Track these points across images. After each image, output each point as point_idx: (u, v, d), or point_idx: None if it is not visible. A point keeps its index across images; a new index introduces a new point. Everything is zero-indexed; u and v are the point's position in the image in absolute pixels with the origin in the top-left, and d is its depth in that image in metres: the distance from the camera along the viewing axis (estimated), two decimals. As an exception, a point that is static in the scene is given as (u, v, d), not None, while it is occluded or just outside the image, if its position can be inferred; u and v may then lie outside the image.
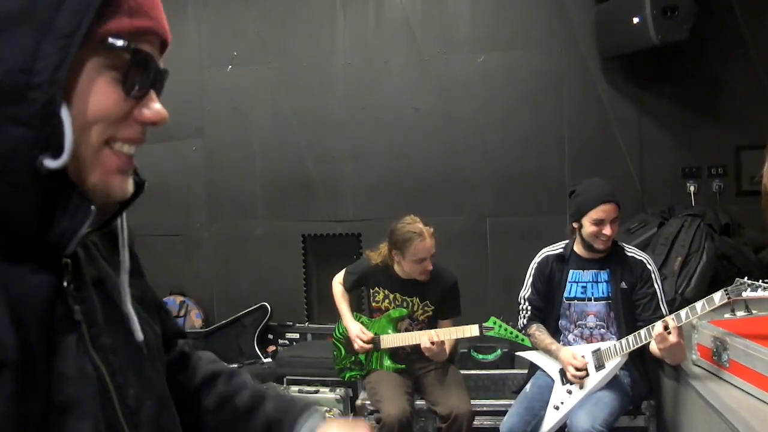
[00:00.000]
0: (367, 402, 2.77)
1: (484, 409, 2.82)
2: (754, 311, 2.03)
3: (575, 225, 2.51)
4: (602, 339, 2.48)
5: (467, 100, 3.75)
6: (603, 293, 2.49)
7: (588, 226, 2.42)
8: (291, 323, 3.94)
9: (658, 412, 2.53)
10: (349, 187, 3.90)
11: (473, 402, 2.68)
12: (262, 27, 3.94)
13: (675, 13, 3.03)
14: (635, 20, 3.11)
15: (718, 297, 2.01)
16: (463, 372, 2.93)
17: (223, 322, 3.95)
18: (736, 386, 1.91)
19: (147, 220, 3.79)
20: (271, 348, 3.92)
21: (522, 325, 2.64)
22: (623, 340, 2.33)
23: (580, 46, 3.61)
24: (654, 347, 2.21)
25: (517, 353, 2.84)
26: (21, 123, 0.53)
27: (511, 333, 2.58)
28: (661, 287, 2.45)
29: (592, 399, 2.35)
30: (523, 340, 2.59)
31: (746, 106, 3.46)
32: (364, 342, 2.73)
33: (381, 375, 2.75)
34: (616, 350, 2.35)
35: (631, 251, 2.52)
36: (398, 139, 3.81)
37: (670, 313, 2.23)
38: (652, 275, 2.45)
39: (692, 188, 3.52)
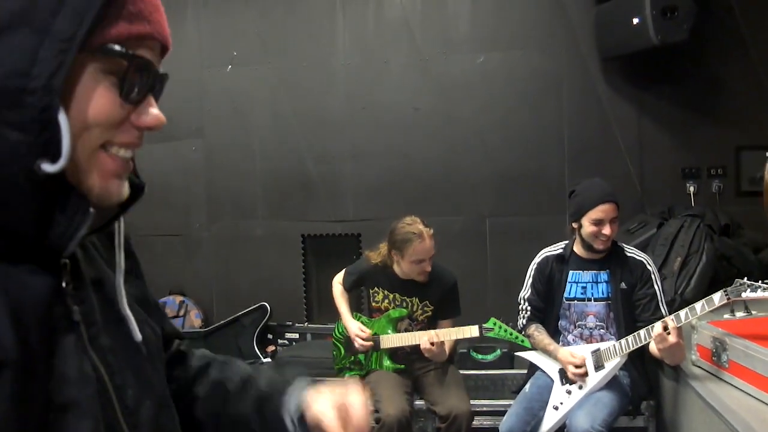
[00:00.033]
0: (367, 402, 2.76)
1: (484, 409, 2.82)
2: (753, 312, 2.03)
3: (575, 225, 2.51)
4: (602, 339, 2.48)
5: (467, 100, 3.75)
6: (603, 294, 2.49)
7: (587, 226, 2.42)
8: (290, 323, 3.94)
9: (658, 413, 2.53)
10: (349, 187, 3.90)
11: (472, 402, 2.68)
12: (262, 27, 3.95)
13: (675, 14, 3.03)
14: (635, 21, 3.12)
15: (717, 298, 2.01)
16: (462, 372, 2.93)
17: (223, 322, 3.95)
18: (735, 387, 1.91)
19: (147, 220, 3.80)
20: (271, 348, 3.93)
21: (521, 326, 2.64)
22: (623, 341, 2.33)
23: (580, 47, 3.61)
24: (653, 348, 2.21)
25: (517, 353, 2.84)
26: (18, 128, 0.53)
27: (511, 334, 2.58)
28: (660, 288, 2.45)
29: (592, 399, 2.36)
30: (522, 341, 2.59)
31: (746, 107, 3.46)
32: (363, 340, 2.74)
33: (380, 375, 2.75)
34: (615, 350, 2.36)
35: (631, 252, 2.52)
36: (398, 139, 3.81)
37: (670, 313, 2.23)
38: (652, 276, 2.45)
39: (692, 189, 3.52)
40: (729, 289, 1.99)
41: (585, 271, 2.52)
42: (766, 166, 2.32)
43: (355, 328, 2.77)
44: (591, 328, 2.51)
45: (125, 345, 0.67)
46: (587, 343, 2.50)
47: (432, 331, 2.65)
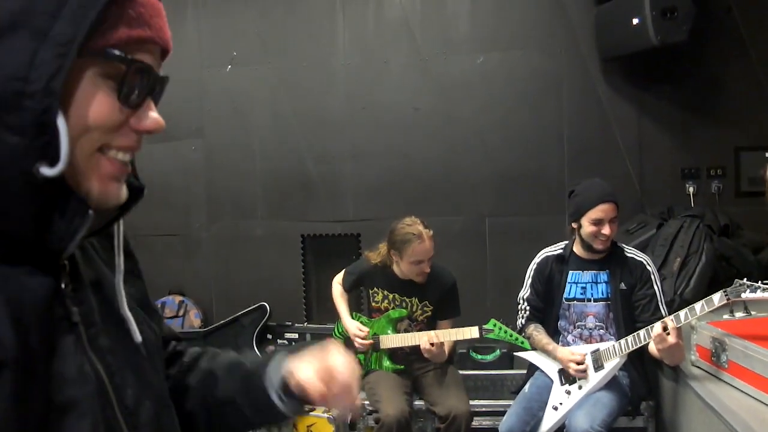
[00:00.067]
0: (366, 402, 2.77)
1: (483, 409, 2.82)
2: (752, 312, 2.03)
3: (574, 225, 2.51)
4: (601, 340, 2.48)
5: (467, 100, 3.75)
6: (602, 294, 2.49)
7: (587, 226, 2.42)
8: (290, 323, 3.94)
9: (657, 413, 2.54)
10: (348, 187, 3.90)
11: (472, 402, 2.68)
12: (262, 27, 3.94)
13: (674, 15, 3.03)
14: (635, 21, 3.12)
15: (717, 298, 2.01)
16: (461, 372, 2.93)
17: (222, 322, 3.95)
18: (734, 387, 1.91)
19: (147, 220, 3.80)
20: (270, 348, 3.92)
21: (520, 325, 2.64)
22: (622, 341, 2.33)
23: (579, 47, 3.61)
24: (653, 348, 2.21)
25: (516, 354, 2.84)
26: (17, 131, 0.53)
27: (511, 336, 2.58)
28: (660, 288, 2.45)
29: (591, 399, 2.36)
30: (522, 342, 2.59)
31: (745, 107, 3.46)
32: (362, 338, 2.74)
33: (380, 375, 2.75)
34: (615, 351, 2.36)
35: (631, 252, 2.52)
36: (398, 139, 3.81)
37: (669, 314, 2.24)
38: (652, 276, 2.45)
39: (691, 189, 3.52)
40: (728, 289, 1.99)
41: (585, 272, 2.52)
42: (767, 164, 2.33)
43: (354, 327, 2.77)
44: (590, 329, 2.51)
45: (124, 345, 0.67)
46: (587, 343, 2.50)
47: (432, 332, 2.65)
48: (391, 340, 2.75)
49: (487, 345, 3.26)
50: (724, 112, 3.50)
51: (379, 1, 3.84)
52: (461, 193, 3.78)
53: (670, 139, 3.59)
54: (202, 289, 4.07)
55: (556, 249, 2.62)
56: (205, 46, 4.01)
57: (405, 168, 3.81)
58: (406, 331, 2.77)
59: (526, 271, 2.65)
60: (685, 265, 2.87)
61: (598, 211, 2.39)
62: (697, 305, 2.07)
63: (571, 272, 2.54)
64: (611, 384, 2.40)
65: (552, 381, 2.50)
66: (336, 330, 2.93)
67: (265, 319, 3.90)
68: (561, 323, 2.57)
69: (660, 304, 2.41)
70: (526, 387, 2.57)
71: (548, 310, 2.60)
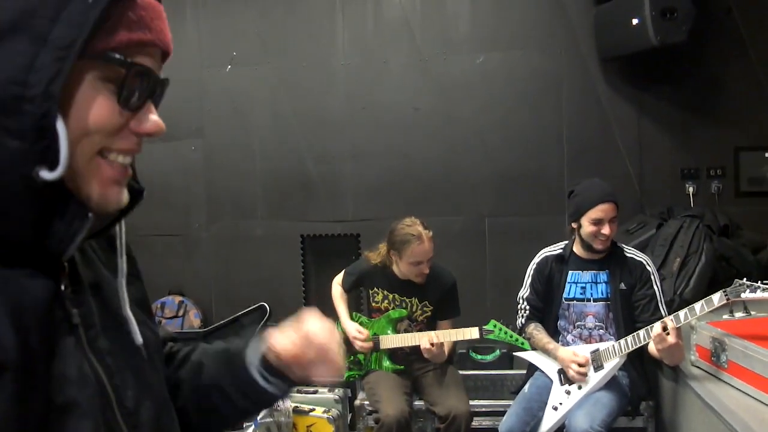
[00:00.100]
0: (366, 402, 2.77)
1: (483, 409, 2.82)
2: (752, 312, 2.04)
3: (574, 225, 2.51)
4: (601, 340, 2.48)
5: (467, 100, 3.75)
6: (602, 294, 2.49)
7: (587, 226, 2.42)
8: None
9: (657, 413, 2.54)
10: (348, 187, 3.90)
11: (472, 402, 2.68)
12: (262, 27, 3.94)
13: (674, 15, 3.03)
14: (634, 21, 3.12)
15: (716, 298, 2.01)
16: (461, 372, 2.93)
17: (222, 322, 3.95)
18: (734, 387, 1.91)
19: (147, 220, 3.79)
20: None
21: (520, 325, 2.64)
22: (622, 341, 2.34)
23: (579, 47, 3.61)
24: (652, 348, 2.22)
25: (516, 354, 2.84)
26: (17, 135, 0.53)
27: (511, 336, 2.58)
28: (660, 289, 2.45)
29: (591, 399, 2.36)
30: (523, 343, 2.59)
31: (745, 107, 3.46)
32: (361, 341, 2.73)
33: (380, 375, 2.76)
34: (614, 351, 2.36)
35: (631, 252, 2.52)
36: (398, 139, 3.81)
37: (669, 314, 2.24)
38: (652, 276, 2.45)
39: (691, 189, 3.52)
40: (728, 289, 1.99)
41: (584, 272, 2.53)
42: None
43: (353, 329, 2.77)
44: (590, 329, 2.51)
45: (124, 347, 0.67)
46: (586, 343, 2.50)
47: (432, 333, 2.65)
48: (391, 340, 2.75)
49: (487, 345, 3.26)
50: (724, 112, 3.50)
51: (379, 1, 3.84)
52: (461, 193, 3.78)
53: (669, 139, 3.59)
54: (202, 289, 4.07)
55: (555, 249, 2.62)
56: (205, 46, 4.00)
57: (405, 168, 3.81)
58: (406, 331, 2.77)
59: (525, 271, 2.65)
60: (684, 265, 2.87)
61: (598, 211, 2.39)
62: (697, 305, 2.07)
63: (570, 272, 2.54)
64: (611, 384, 2.40)
65: (552, 381, 2.50)
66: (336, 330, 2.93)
67: (265, 319, 3.90)
68: (560, 323, 2.57)
69: (660, 304, 2.41)
70: (526, 387, 2.57)
71: (548, 310, 2.60)
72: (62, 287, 0.61)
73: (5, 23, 0.53)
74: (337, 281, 2.92)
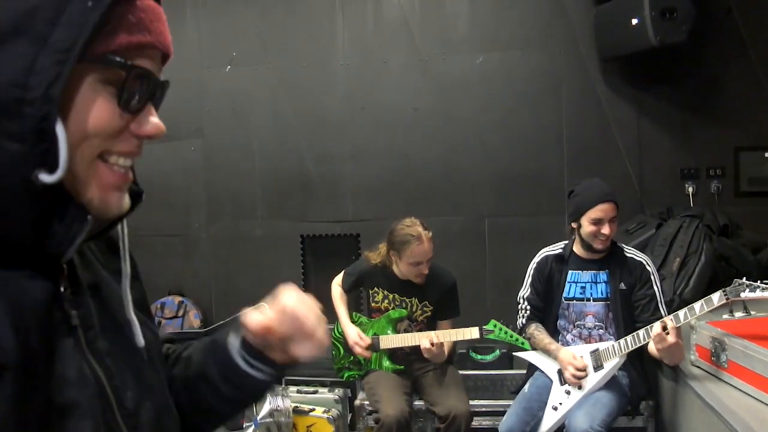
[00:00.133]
0: (366, 402, 2.77)
1: (483, 409, 2.82)
2: (752, 312, 2.04)
3: (574, 225, 2.51)
4: (601, 339, 2.48)
5: (467, 100, 3.75)
6: (602, 294, 2.49)
7: (587, 226, 2.42)
8: (290, 323, 3.94)
9: (657, 413, 2.54)
10: (348, 188, 3.90)
11: (472, 402, 2.68)
12: (262, 27, 3.94)
13: (673, 15, 3.03)
14: (634, 21, 3.12)
15: (716, 298, 2.01)
16: (461, 372, 2.93)
17: (222, 322, 3.95)
18: (734, 387, 1.91)
19: (147, 220, 3.79)
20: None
21: (521, 325, 2.64)
22: (622, 341, 2.34)
23: (579, 47, 3.61)
24: (652, 348, 2.22)
25: (516, 354, 2.84)
26: (16, 138, 0.53)
27: (512, 336, 2.58)
28: (660, 288, 2.45)
29: (591, 399, 2.36)
30: (523, 343, 2.59)
31: (745, 107, 3.46)
32: (362, 348, 2.73)
33: (380, 375, 2.75)
34: (614, 351, 2.36)
35: (631, 252, 2.52)
36: (398, 139, 3.81)
37: (669, 314, 2.24)
38: (652, 276, 2.45)
39: (691, 189, 3.52)
40: (728, 289, 1.99)
41: (584, 271, 2.53)
42: None
43: (354, 335, 2.76)
44: (590, 328, 2.51)
45: (124, 348, 0.67)
46: (586, 343, 2.50)
47: (432, 333, 2.65)
48: (391, 340, 2.75)
49: (487, 345, 3.26)
50: (724, 112, 3.51)
51: (378, 1, 3.84)
52: (461, 193, 3.78)
53: (669, 140, 3.60)
54: (202, 289, 4.07)
55: (555, 248, 2.62)
56: (205, 46, 4.01)
57: (405, 168, 3.81)
58: (406, 331, 2.77)
59: (525, 271, 2.65)
60: (684, 265, 2.87)
61: (598, 211, 2.39)
62: (697, 305, 2.07)
63: (570, 272, 2.54)
64: (611, 384, 2.40)
65: (551, 381, 2.50)
66: (335, 330, 2.93)
67: (264, 320, 3.89)
68: (560, 323, 2.57)
69: (659, 304, 2.41)
70: (526, 387, 2.57)
71: (548, 310, 2.60)
72: (61, 289, 0.61)
73: (6, 25, 0.53)
74: (337, 282, 2.92)
